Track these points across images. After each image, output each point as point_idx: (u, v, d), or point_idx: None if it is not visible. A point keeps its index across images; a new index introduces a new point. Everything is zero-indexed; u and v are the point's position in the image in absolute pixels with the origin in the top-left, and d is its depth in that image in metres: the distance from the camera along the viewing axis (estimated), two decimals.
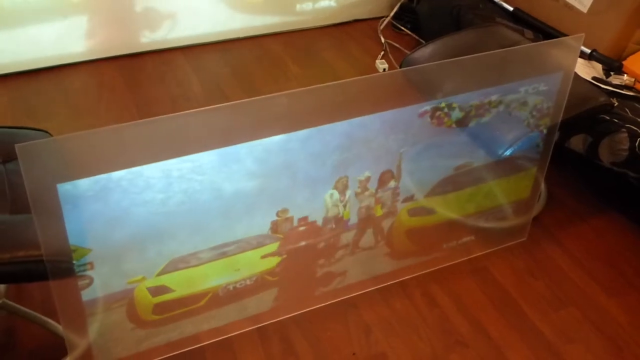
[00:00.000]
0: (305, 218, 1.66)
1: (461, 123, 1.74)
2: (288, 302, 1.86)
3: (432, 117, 1.68)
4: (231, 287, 1.67)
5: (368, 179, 1.70)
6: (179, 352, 1.76)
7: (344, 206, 1.71)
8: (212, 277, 1.64)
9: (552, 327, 1.90)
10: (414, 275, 2.02)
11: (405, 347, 1.82)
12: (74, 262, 1.41)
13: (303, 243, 1.72)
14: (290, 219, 1.64)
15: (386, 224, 1.84)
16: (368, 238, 1.85)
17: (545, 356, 1.82)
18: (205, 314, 1.73)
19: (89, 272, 1.46)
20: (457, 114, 1.71)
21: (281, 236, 1.67)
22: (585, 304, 1.98)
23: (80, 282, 1.46)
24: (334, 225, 1.73)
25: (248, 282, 1.69)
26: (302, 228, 1.68)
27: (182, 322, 1.69)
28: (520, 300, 1.97)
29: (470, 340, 1.85)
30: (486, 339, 1.85)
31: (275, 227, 1.64)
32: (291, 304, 1.87)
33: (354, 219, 1.76)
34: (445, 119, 1.70)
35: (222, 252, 1.61)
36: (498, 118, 1.82)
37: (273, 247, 1.68)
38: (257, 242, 1.65)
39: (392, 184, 1.74)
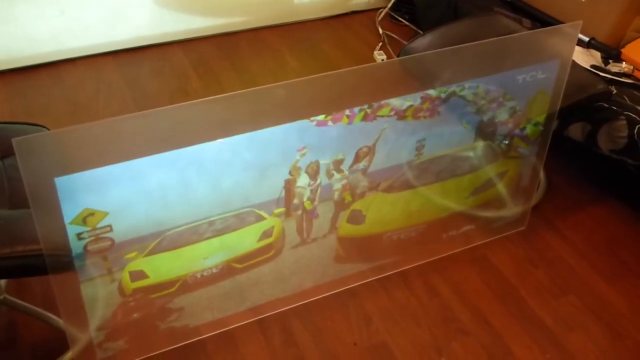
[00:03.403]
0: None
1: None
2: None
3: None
4: (199, 275, 1.68)
5: (342, 160, 1.69)
6: (180, 344, 1.77)
7: (312, 192, 1.70)
8: (182, 264, 1.65)
9: (553, 315, 1.90)
10: (414, 264, 2.02)
11: (406, 336, 1.82)
12: (96, 226, 1.43)
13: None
14: (317, 163, 1.65)
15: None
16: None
17: (546, 344, 1.82)
18: (203, 305, 1.75)
19: (109, 235, 1.46)
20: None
21: (266, 216, 1.68)
22: (585, 291, 1.98)
23: (104, 244, 1.47)
24: (300, 212, 1.73)
25: (214, 270, 1.69)
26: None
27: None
28: (520, 289, 1.98)
29: (470, 328, 1.85)
30: (487, 327, 1.86)
31: (288, 186, 1.64)
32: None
33: (320, 207, 1.76)
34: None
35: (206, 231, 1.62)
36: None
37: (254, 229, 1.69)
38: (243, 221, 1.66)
39: (364, 163, 1.73)
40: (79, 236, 1.42)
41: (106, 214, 1.42)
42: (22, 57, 2.86)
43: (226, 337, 1.80)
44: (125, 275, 1.57)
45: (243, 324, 1.84)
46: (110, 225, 1.45)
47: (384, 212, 1.87)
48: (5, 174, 1.60)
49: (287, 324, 1.85)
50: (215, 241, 1.64)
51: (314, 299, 1.91)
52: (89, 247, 1.45)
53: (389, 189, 1.84)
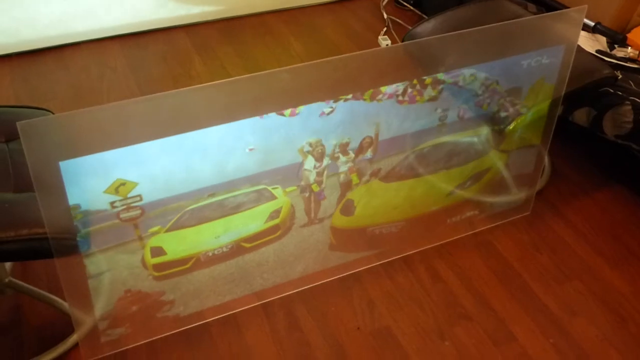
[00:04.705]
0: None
1: (433, 100, 1.72)
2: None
3: (403, 94, 1.66)
4: (210, 254, 1.70)
5: (347, 143, 1.70)
6: (185, 328, 1.78)
7: (318, 174, 1.70)
8: (196, 242, 1.67)
9: (556, 300, 1.90)
10: (417, 250, 2.02)
11: (409, 321, 1.83)
12: (127, 196, 1.46)
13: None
14: (324, 147, 1.66)
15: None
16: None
17: (549, 329, 1.82)
18: (209, 289, 1.77)
19: (139, 204, 1.49)
20: (429, 91, 1.70)
21: (277, 195, 1.69)
22: (589, 276, 1.98)
23: (134, 213, 1.49)
24: (307, 194, 1.73)
25: (224, 249, 1.71)
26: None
27: (176, 279, 1.72)
28: (524, 274, 1.98)
29: (474, 313, 1.86)
30: (490, 312, 1.86)
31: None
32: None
33: (327, 191, 1.76)
34: (418, 97, 1.69)
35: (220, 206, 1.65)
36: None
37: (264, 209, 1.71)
38: (254, 199, 1.68)
39: (369, 153, 1.73)
40: (112, 205, 1.45)
41: (136, 184, 1.45)
42: (27, 41, 2.86)
43: (230, 321, 1.81)
44: (147, 251, 1.60)
45: (247, 308, 1.84)
46: (140, 195, 1.47)
47: (377, 202, 1.87)
48: (10, 157, 1.60)
49: (291, 309, 1.85)
50: (228, 220, 1.66)
51: (318, 283, 1.91)
52: (122, 215, 1.48)
53: (387, 178, 1.84)
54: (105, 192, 1.42)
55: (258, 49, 3.01)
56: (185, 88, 1.39)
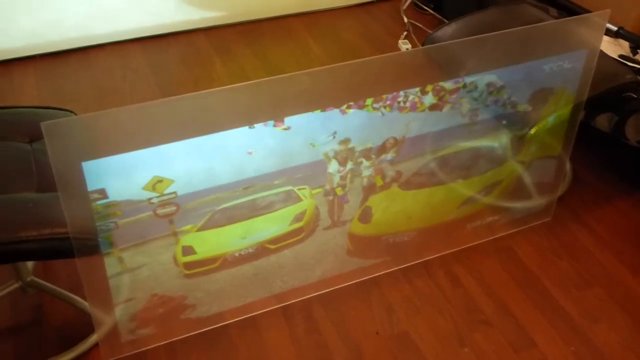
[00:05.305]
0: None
1: (435, 108, 1.72)
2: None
3: (404, 101, 1.66)
4: (237, 254, 1.71)
5: (370, 149, 1.70)
6: (205, 329, 1.78)
7: (342, 178, 1.71)
8: (224, 243, 1.69)
9: (577, 307, 1.89)
10: (437, 255, 2.02)
11: (428, 326, 1.82)
12: (163, 192, 1.48)
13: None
14: (352, 149, 1.66)
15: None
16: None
17: (570, 335, 1.81)
18: (228, 291, 1.77)
19: (175, 201, 1.50)
20: (429, 99, 1.69)
21: (303, 198, 1.69)
22: (610, 283, 1.96)
23: (169, 209, 1.51)
24: (331, 197, 1.74)
25: (250, 250, 1.73)
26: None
27: (203, 278, 1.73)
28: (544, 280, 1.97)
29: (494, 319, 1.85)
30: (510, 318, 1.85)
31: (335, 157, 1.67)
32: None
33: (350, 194, 1.76)
34: (419, 104, 1.69)
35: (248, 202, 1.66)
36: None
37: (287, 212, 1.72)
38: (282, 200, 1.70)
39: (391, 154, 1.73)
40: (150, 201, 1.47)
41: (172, 181, 1.47)
42: (52, 43, 2.89)
43: (250, 323, 1.81)
44: (179, 250, 1.62)
45: (267, 311, 1.85)
46: (175, 192, 1.49)
47: (395, 209, 1.87)
48: (33, 157, 1.62)
49: (310, 312, 1.85)
50: (255, 221, 1.67)
51: (337, 287, 1.91)
52: (158, 211, 1.50)
53: (406, 185, 1.83)
54: (144, 188, 1.44)
55: (278, 51, 3.02)
56: (205, 91, 1.40)
